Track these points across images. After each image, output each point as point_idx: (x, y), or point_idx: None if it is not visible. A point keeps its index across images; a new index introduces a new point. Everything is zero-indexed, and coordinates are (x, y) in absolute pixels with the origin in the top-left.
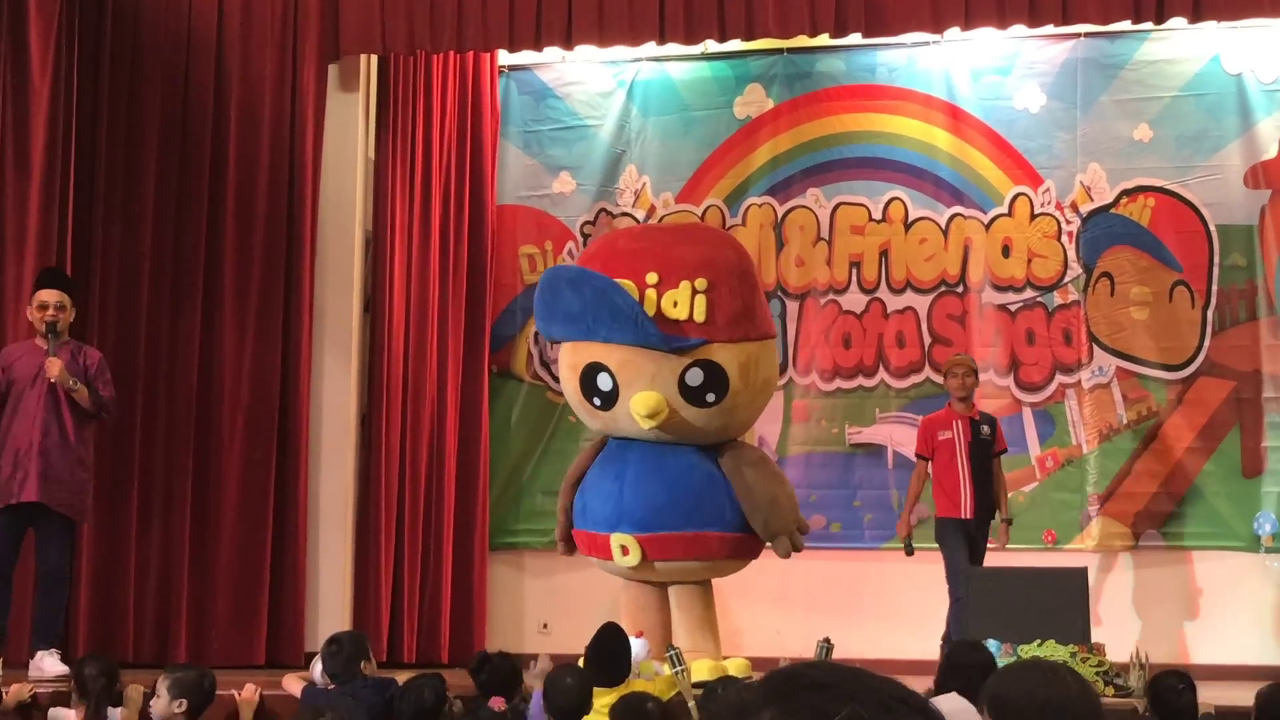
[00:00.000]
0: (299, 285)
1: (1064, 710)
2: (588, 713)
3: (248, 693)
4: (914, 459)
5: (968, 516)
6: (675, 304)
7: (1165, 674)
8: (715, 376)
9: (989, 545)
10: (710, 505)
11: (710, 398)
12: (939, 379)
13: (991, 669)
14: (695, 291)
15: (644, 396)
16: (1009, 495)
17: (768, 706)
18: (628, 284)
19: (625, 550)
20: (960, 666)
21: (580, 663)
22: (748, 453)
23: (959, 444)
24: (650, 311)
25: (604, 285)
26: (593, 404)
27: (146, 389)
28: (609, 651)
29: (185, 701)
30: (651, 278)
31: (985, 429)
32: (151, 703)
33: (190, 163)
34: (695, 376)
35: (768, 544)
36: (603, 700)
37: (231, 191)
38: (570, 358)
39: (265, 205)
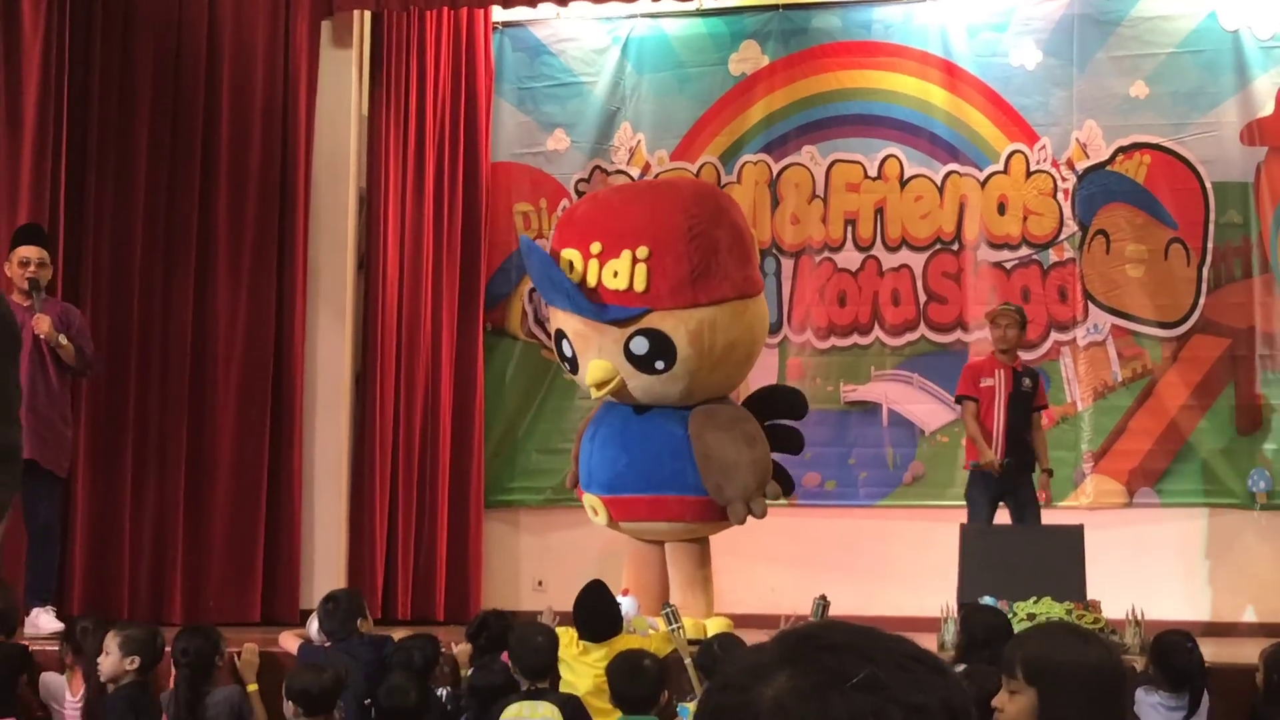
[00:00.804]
0: (292, 243)
1: (1103, 674)
2: (554, 672)
3: (248, 653)
4: (957, 402)
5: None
6: (615, 274)
7: (1169, 633)
8: (661, 344)
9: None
10: (669, 469)
11: (659, 365)
12: (934, 337)
13: (1008, 633)
14: (636, 260)
15: (594, 365)
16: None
17: (783, 668)
18: (572, 254)
19: (595, 510)
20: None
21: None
22: (719, 415)
23: (999, 393)
24: (591, 282)
25: (541, 259)
26: (565, 368)
27: (140, 347)
28: (595, 608)
29: (137, 659)
30: (595, 247)
31: (1027, 381)
32: (99, 660)
33: (183, 121)
34: (640, 345)
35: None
36: (594, 656)
37: (224, 149)
38: (552, 323)
39: (258, 163)
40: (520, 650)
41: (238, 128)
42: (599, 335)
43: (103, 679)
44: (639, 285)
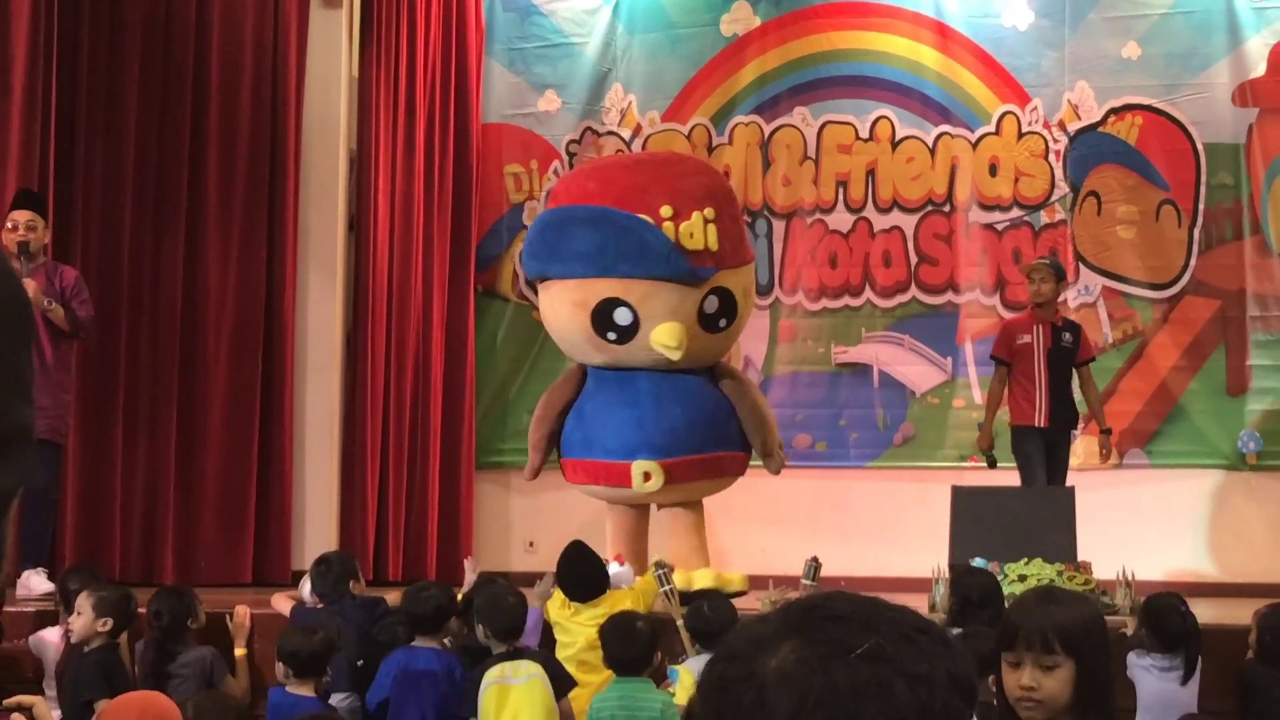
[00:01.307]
0: (283, 204)
1: (1108, 632)
2: (522, 633)
3: (240, 616)
4: (991, 363)
5: (1043, 425)
6: (691, 235)
7: (1161, 595)
8: (728, 302)
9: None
10: (722, 427)
11: (723, 323)
12: (925, 298)
13: (1000, 594)
14: (706, 221)
15: (670, 328)
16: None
17: (787, 639)
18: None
19: (648, 476)
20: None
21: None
22: (741, 375)
23: (1038, 349)
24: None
25: (631, 223)
26: (606, 339)
27: (131, 309)
28: (577, 569)
29: (110, 621)
30: (666, 210)
31: (1067, 336)
32: (70, 620)
33: (173, 82)
34: (712, 304)
35: (761, 462)
36: (584, 616)
37: (214, 110)
38: (576, 294)
39: (249, 124)
40: (492, 613)
41: (228, 90)
42: (678, 297)
43: (74, 639)
44: (712, 245)
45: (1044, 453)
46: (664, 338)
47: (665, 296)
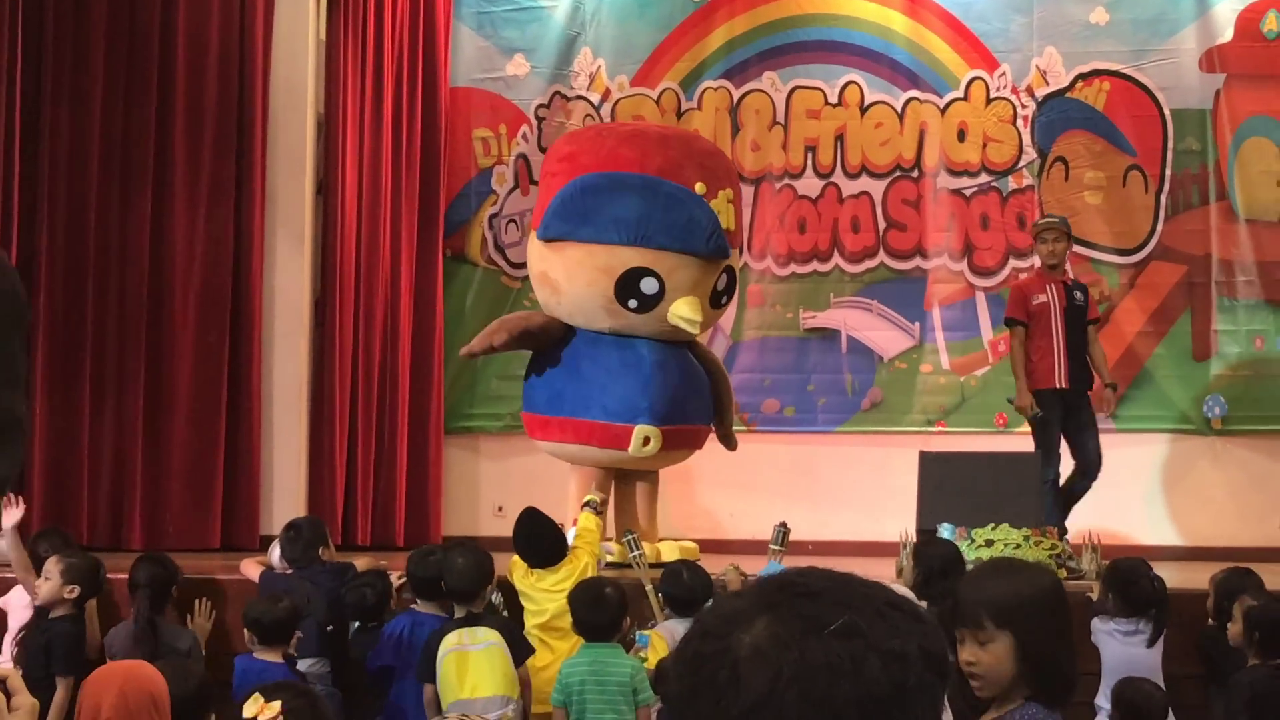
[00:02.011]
0: (250, 168)
1: (1060, 598)
2: (483, 595)
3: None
4: (1006, 325)
5: (1063, 385)
6: (719, 213)
7: (1127, 559)
8: (732, 280)
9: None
10: (705, 400)
11: (724, 300)
12: (894, 264)
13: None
14: (728, 201)
15: (693, 302)
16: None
17: (761, 615)
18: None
19: (647, 440)
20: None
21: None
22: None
23: (1054, 310)
24: None
25: (684, 196)
26: (626, 306)
27: (98, 274)
28: (533, 535)
29: (77, 588)
30: (700, 188)
31: (1079, 295)
32: (38, 584)
33: (139, 45)
34: (722, 281)
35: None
36: (549, 581)
37: (181, 74)
38: (604, 260)
39: (216, 87)
40: (447, 574)
41: (194, 53)
42: (701, 273)
43: (38, 603)
44: (731, 224)
45: (1063, 418)
46: (688, 311)
47: (691, 271)
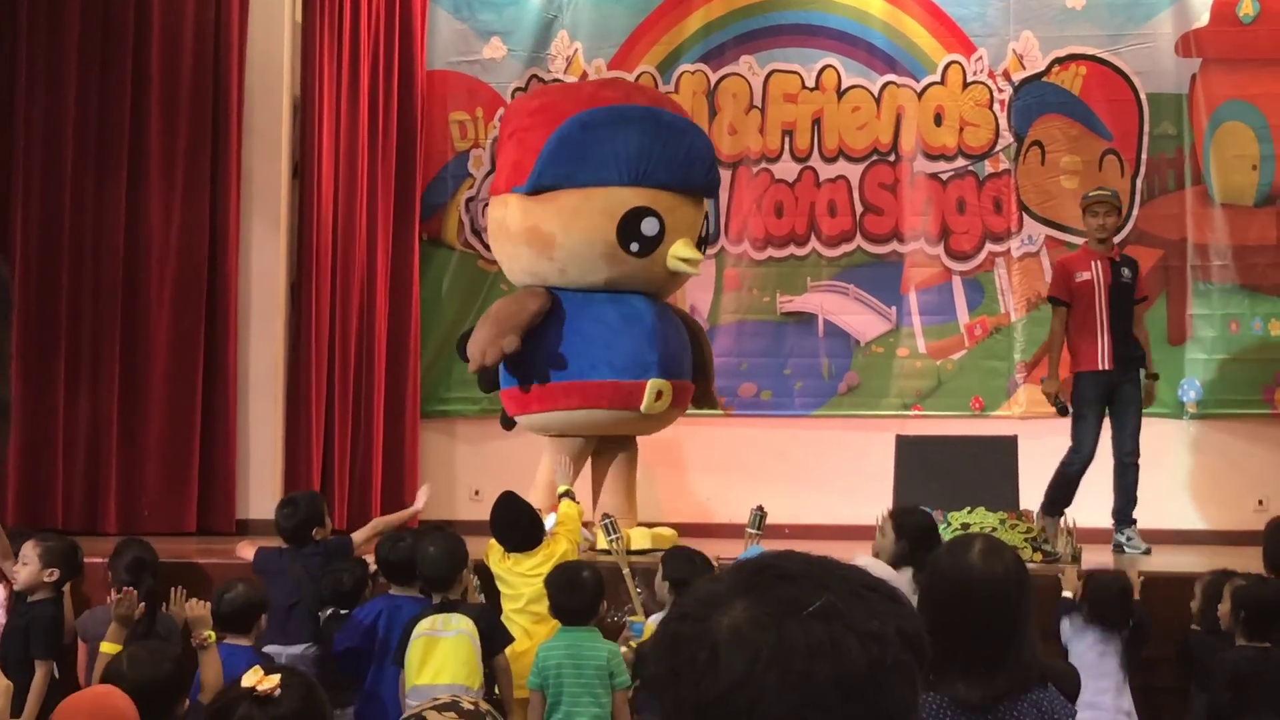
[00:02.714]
0: (226, 151)
1: (969, 581)
2: (456, 582)
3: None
4: (1050, 304)
5: (1106, 368)
6: None
7: (1115, 579)
8: (709, 226)
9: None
10: (692, 358)
11: (705, 247)
12: (870, 248)
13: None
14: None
15: (688, 242)
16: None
17: (740, 597)
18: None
19: (660, 395)
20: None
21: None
22: None
23: (1098, 287)
24: None
25: (685, 125)
26: (629, 250)
27: (73, 256)
28: (509, 520)
29: (56, 571)
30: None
31: (1126, 272)
32: (16, 567)
33: (114, 29)
34: (704, 227)
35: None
36: (525, 566)
37: (156, 56)
38: (603, 202)
39: (191, 70)
40: (420, 562)
41: (169, 35)
42: (694, 213)
43: (17, 587)
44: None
45: (1103, 401)
46: (688, 252)
47: (687, 210)
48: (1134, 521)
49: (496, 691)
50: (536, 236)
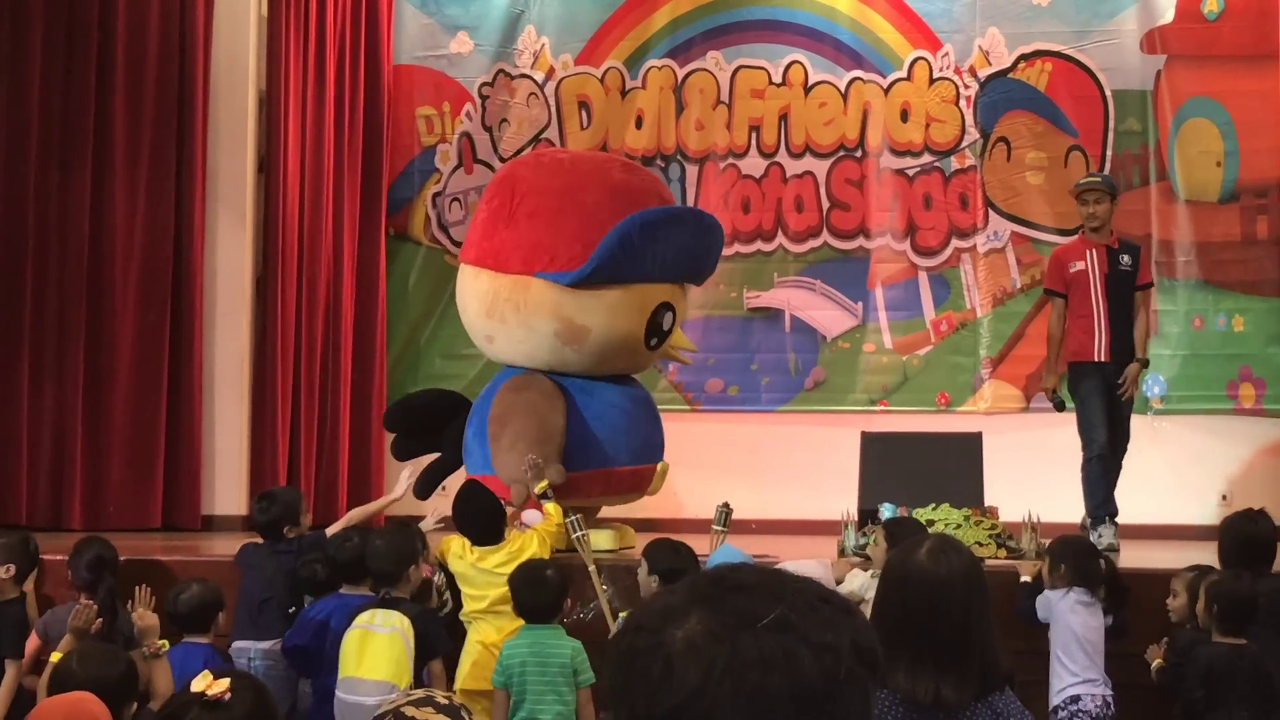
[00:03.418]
0: (191, 145)
1: (914, 579)
2: (403, 578)
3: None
4: (1048, 296)
5: (1103, 359)
6: None
7: (1078, 538)
8: None
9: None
10: None
11: None
12: (837, 244)
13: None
14: None
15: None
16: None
17: (694, 610)
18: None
19: (664, 474)
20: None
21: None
22: None
23: (1093, 276)
24: None
25: (719, 227)
26: (649, 344)
27: (37, 251)
28: (475, 508)
29: (12, 566)
30: None
31: (1125, 259)
32: None
33: (78, 21)
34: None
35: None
36: (491, 562)
37: (121, 50)
38: (639, 299)
39: (156, 63)
40: (370, 557)
41: (134, 29)
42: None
43: None
44: None
45: (1105, 392)
46: (687, 343)
47: (684, 301)
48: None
49: None
50: (570, 329)
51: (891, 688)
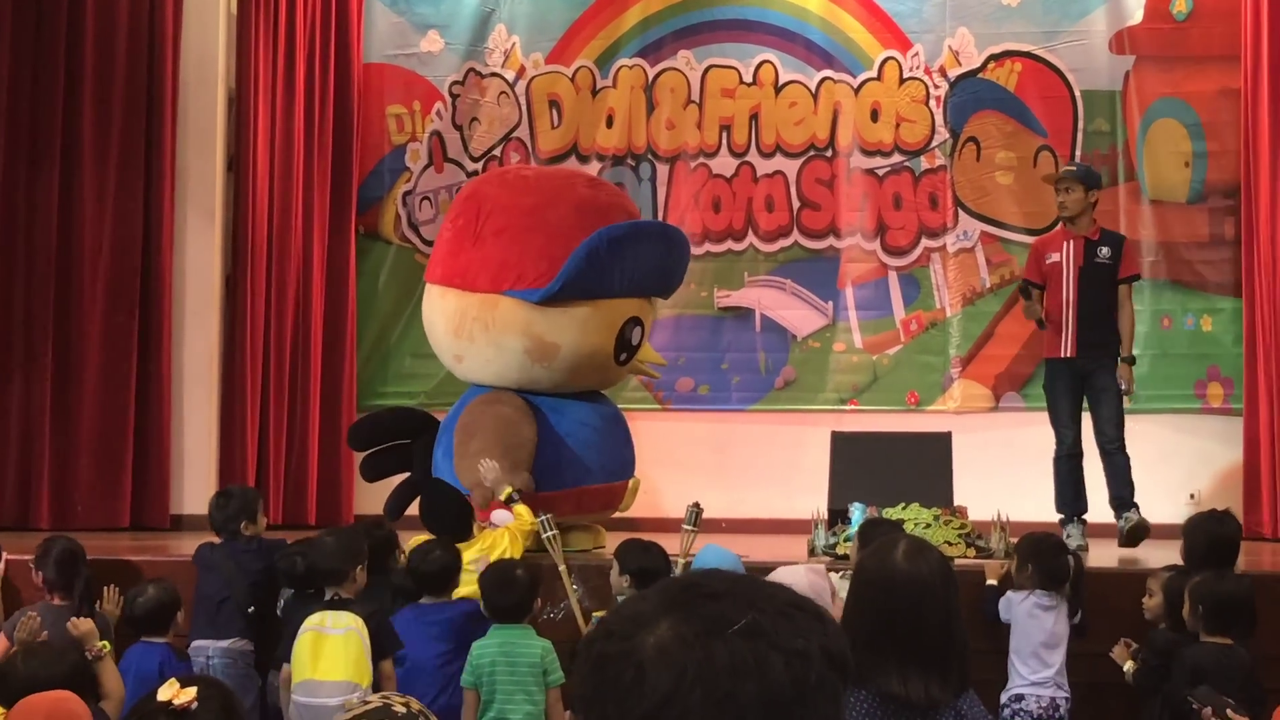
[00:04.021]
0: (160, 144)
1: (892, 581)
2: (349, 578)
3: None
4: (1021, 294)
5: (1069, 355)
6: None
7: (1046, 536)
8: None
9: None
10: None
11: None
12: (807, 243)
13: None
14: None
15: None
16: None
17: (666, 615)
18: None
19: (636, 491)
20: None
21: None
22: None
23: (1067, 269)
24: None
25: (685, 241)
26: (618, 360)
27: (4, 250)
28: (440, 505)
29: None
30: None
31: (1104, 251)
32: None
33: (47, 18)
34: None
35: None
36: (463, 558)
37: (90, 48)
38: (609, 315)
39: (125, 61)
40: (313, 556)
41: (103, 27)
42: (652, 316)
43: None
44: None
45: (1072, 388)
46: (655, 357)
47: (652, 314)
48: (1134, 505)
49: None
50: (540, 346)
51: (881, 690)
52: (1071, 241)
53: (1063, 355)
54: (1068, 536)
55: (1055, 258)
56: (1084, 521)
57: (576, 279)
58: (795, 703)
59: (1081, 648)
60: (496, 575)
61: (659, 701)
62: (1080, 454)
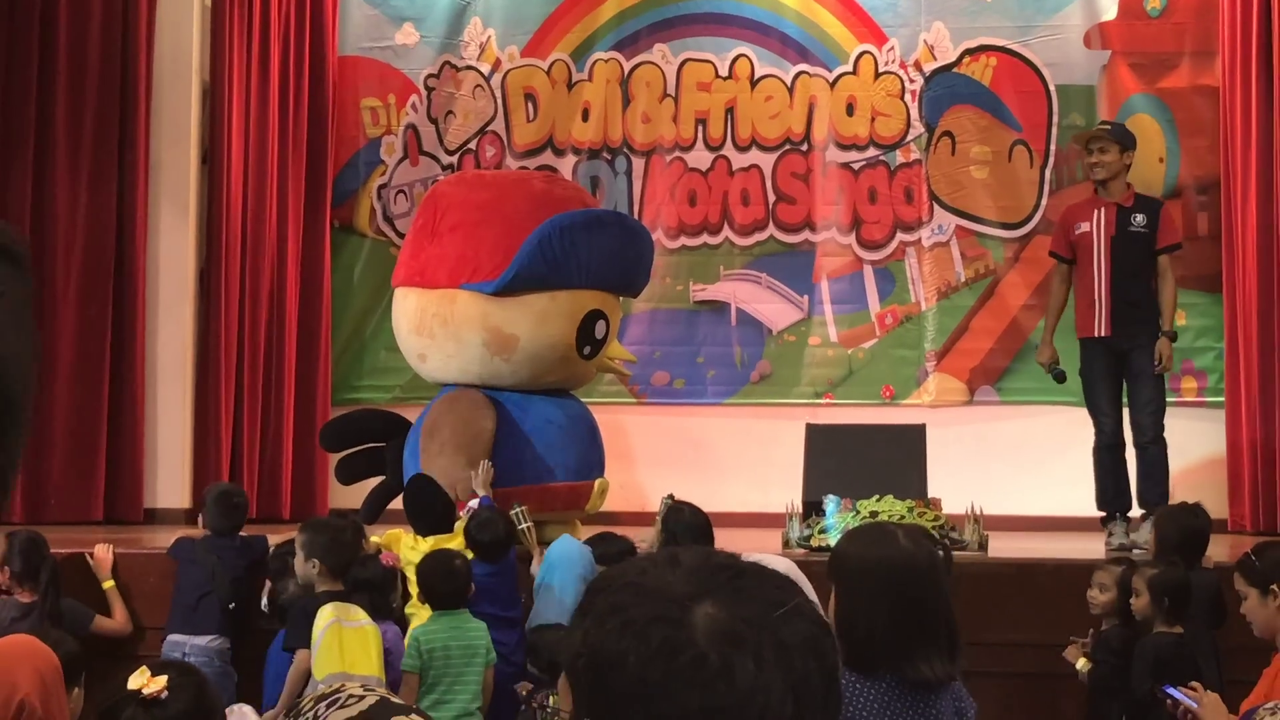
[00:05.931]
0: (134, 137)
1: (894, 568)
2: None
3: (100, 551)
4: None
5: (1103, 334)
6: None
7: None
8: None
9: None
10: None
11: None
12: (783, 237)
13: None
14: None
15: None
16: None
17: (706, 598)
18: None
19: (603, 492)
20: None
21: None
22: None
23: (1098, 239)
24: None
25: (645, 233)
26: (581, 353)
27: None
28: (425, 502)
29: None
30: None
31: (1139, 218)
32: None
33: (20, 10)
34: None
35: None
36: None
37: (63, 40)
38: (568, 306)
39: (99, 54)
40: (328, 549)
41: (76, 19)
42: (619, 312)
43: None
44: None
45: (1111, 371)
46: (624, 353)
47: (618, 311)
48: (1129, 508)
49: None
50: (498, 338)
51: (905, 677)
52: (1102, 209)
53: (1096, 334)
54: (1110, 535)
55: (1085, 227)
56: (1128, 519)
57: (530, 268)
58: (835, 678)
59: (1027, 638)
60: (437, 564)
61: (749, 688)
62: (1122, 444)
